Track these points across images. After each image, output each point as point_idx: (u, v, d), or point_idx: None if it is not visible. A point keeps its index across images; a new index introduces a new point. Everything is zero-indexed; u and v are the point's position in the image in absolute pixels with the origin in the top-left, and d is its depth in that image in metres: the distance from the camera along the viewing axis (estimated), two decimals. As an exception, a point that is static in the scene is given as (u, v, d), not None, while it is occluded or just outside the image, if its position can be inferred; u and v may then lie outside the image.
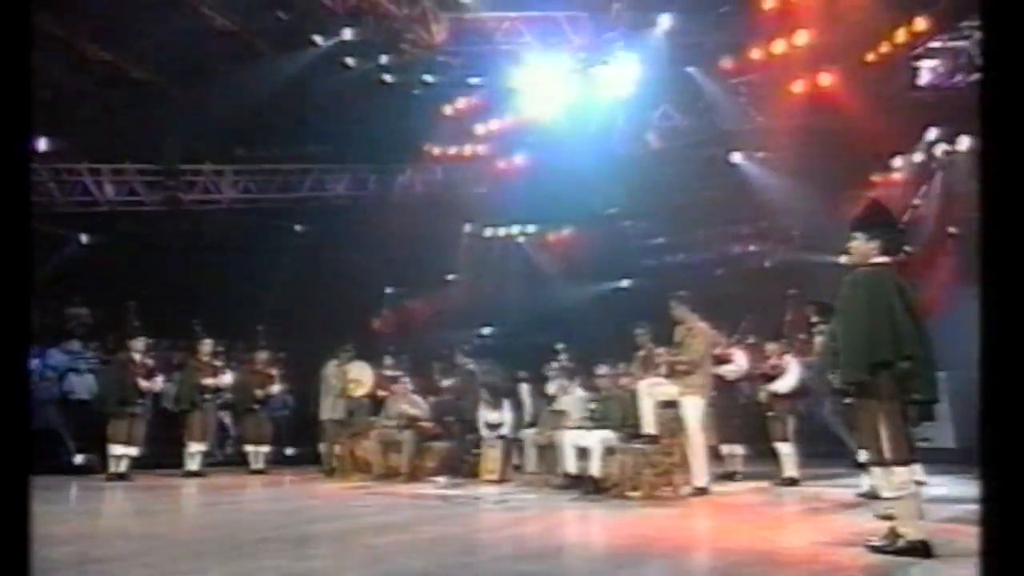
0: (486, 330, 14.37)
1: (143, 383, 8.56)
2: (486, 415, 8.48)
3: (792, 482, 7.22)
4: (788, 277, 10.20)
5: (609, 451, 6.63)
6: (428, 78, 11.30)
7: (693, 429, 6.47)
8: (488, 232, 15.16)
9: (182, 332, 10.28)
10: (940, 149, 10.44)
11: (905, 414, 3.71)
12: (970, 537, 3.27)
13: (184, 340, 10.54)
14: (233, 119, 11.89)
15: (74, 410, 9.68)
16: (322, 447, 9.49)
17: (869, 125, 10.30)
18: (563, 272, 14.89)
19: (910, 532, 3.62)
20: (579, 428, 7.07)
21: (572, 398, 8.08)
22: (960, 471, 6.50)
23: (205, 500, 7.33)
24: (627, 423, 6.75)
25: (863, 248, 3.88)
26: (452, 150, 13.33)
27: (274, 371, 9.75)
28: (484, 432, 8.43)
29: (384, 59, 10.78)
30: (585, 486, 6.60)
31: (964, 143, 10.29)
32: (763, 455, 8.02)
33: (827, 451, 9.11)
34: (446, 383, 9.50)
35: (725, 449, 7.91)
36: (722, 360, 7.40)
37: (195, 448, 8.95)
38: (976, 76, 9.80)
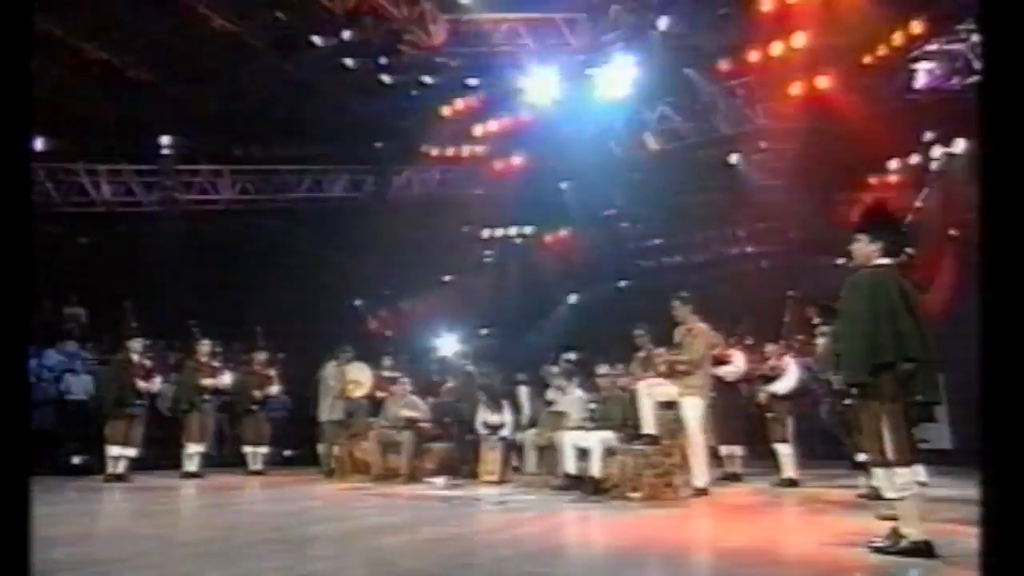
0: (484, 331, 14.37)
1: (141, 384, 8.52)
2: (485, 416, 8.48)
3: (792, 483, 7.23)
4: (786, 278, 10.22)
5: (609, 452, 6.63)
6: (426, 79, 11.29)
7: (693, 430, 6.48)
8: (485, 233, 15.16)
9: (178, 333, 10.26)
10: (939, 152, 10.48)
11: (907, 415, 3.72)
12: (971, 537, 3.28)
13: (180, 341, 10.52)
14: (231, 119, 11.89)
15: (71, 411, 9.64)
16: (321, 448, 9.47)
17: (866, 128, 10.35)
18: (561, 273, 14.90)
19: (913, 533, 3.63)
20: (579, 429, 7.07)
21: (571, 399, 8.08)
22: (957, 472, 6.51)
23: (205, 501, 7.31)
24: (627, 424, 6.76)
25: (865, 250, 3.90)
26: (450, 151, 13.34)
27: (272, 372, 9.73)
28: (483, 433, 8.43)
29: (382, 60, 10.77)
30: (585, 487, 6.59)
31: (960, 146, 10.34)
32: (762, 456, 8.04)
33: (824, 452, 9.17)
34: (445, 384, 9.49)
35: (724, 450, 7.92)
36: (721, 361, 7.42)
37: (193, 449, 8.92)
38: (973, 79, 9.85)
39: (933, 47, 10.15)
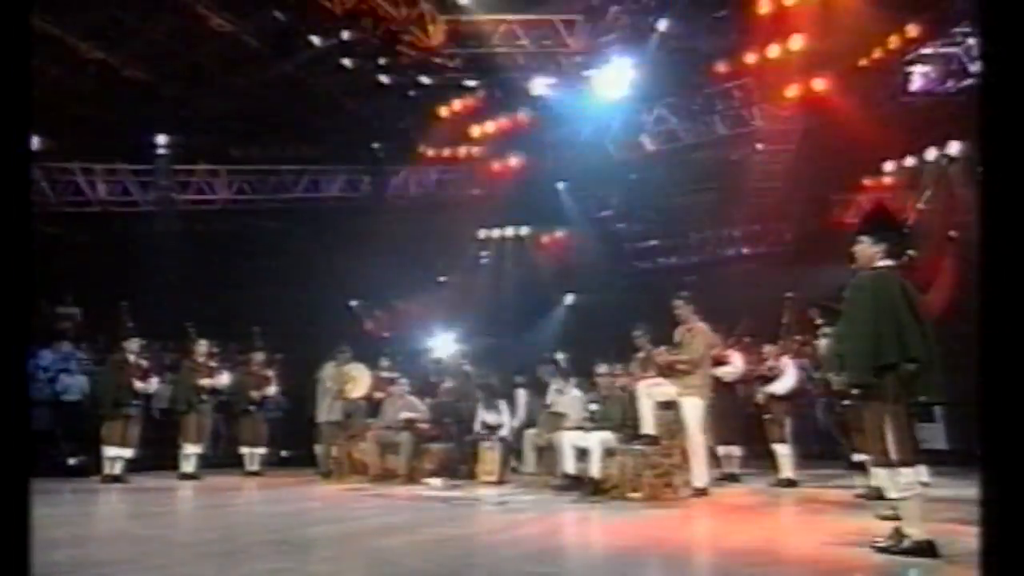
0: (481, 332, 14.36)
1: (138, 384, 8.48)
2: (483, 416, 8.49)
3: (790, 483, 7.26)
4: (782, 279, 10.26)
5: (609, 452, 6.64)
6: (424, 80, 11.31)
7: (693, 430, 6.50)
8: (482, 234, 15.17)
9: (174, 333, 10.22)
10: (939, 154, 10.57)
11: (910, 416, 3.75)
12: (971, 537, 3.32)
13: (176, 341, 10.48)
14: (228, 119, 11.86)
15: (67, 411, 9.58)
16: (318, 449, 9.45)
17: (861, 130, 10.44)
18: (557, 274, 14.92)
19: (915, 532, 3.66)
20: (578, 429, 7.08)
21: (570, 399, 8.10)
22: (953, 472, 6.56)
23: (204, 502, 7.29)
24: (626, 424, 6.77)
25: (868, 252, 3.92)
26: (447, 152, 13.38)
27: (270, 372, 9.70)
28: (482, 433, 8.43)
29: (381, 60, 10.77)
30: (584, 487, 6.60)
31: (955, 148, 10.43)
32: (759, 456, 8.07)
33: (820, 452, 9.23)
34: (442, 385, 9.49)
35: (722, 450, 7.94)
36: (719, 362, 7.45)
37: (190, 450, 8.89)
38: (967, 82, 9.94)
39: (928, 50, 10.25)
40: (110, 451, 8.28)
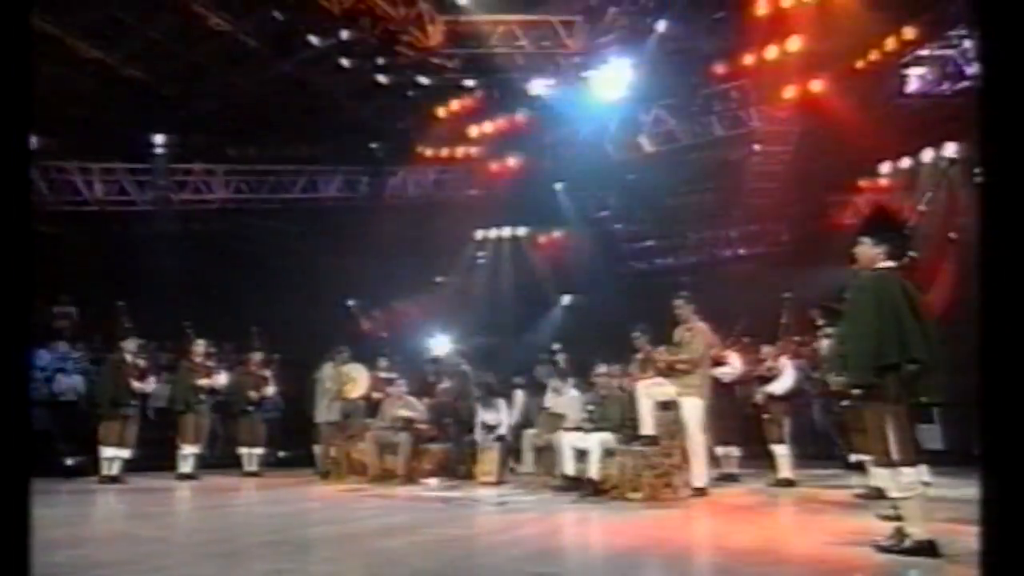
0: (478, 332, 14.37)
1: (136, 384, 8.46)
2: (483, 416, 8.49)
3: (788, 483, 7.29)
4: (778, 280, 10.30)
5: (608, 453, 6.65)
6: (422, 80, 11.32)
7: (694, 430, 6.51)
8: (480, 234, 15.18)
9: (170, 333, 10.19)
10: (936, 155, 10.62)
11: (911, 416, 3.78)
12: (971, 537, 3.34)
13: (173, 341, 10.45)
14: (225, 119, 11.83)
15: (63, 411, 9.54)
16: (317, 449, 9.44)
17: (858, 131, 10.48)
18: (554, 274, 14.94)
19: (917, 532, 3.69)
20: (578, 430, 7.08)
21: (568, 399, 8.11)
22: (949, 472, 6.59)
23: (203, 503, 7.27)
24: (625, 425, 6.78)
25: (870, 253, 3.95)
26: (445, 152, 13.38)
27: (268, 373, 9.69)
28: (480, 434, 8.44)
29: (379, 60, 10.77)
30: (584, 488, 6.61)
31: (950, 150, 10.48)
32: (757, 456, 8.10)
33: (816, 452, 9.27)
34: (441, 385, 9.48)
35: (720, 451, 7.96)
36: (717, 362, 7.47)
37: (188, 450, 8.87)
38: (963, 84, 9.99)
39: (925, 52, 10.29)
40: (108, 451, 8.26)
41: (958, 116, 9.90)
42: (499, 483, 7.89)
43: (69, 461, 8.81)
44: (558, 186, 14.10)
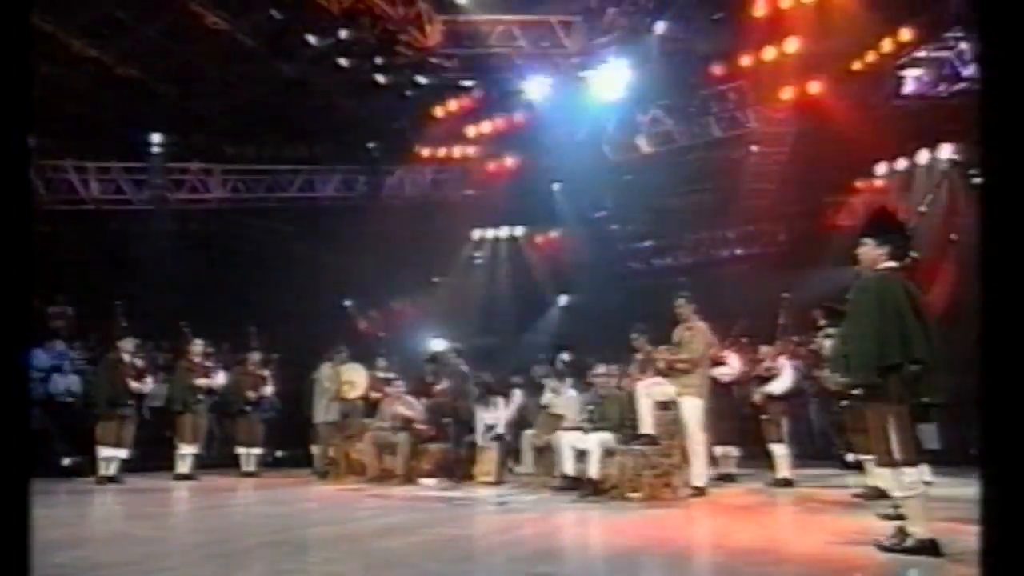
0: (476, 332, 14.37)
1: (133, 384, 8.43)
2: (482, 416, 8.49)
3: (787, 483, 7.31)
4: (775, 280, 10.34)
5: (608, 453, 6.66)
6: (421, 79, 11.30)
7: (694, 429, 6.53)
8: (477, 234, 15.18)
9: (167, 332, 10.16)
10: (932, 157, 10.67)
11: (913, 416, 3.80)
12: (971, 536, 3.36)
13: (168, 340, 10.42)
14: (222, 118, 11.79)
15: (60, 411, 9.49)
16: (315, 449, 9.43)
17: (854, 132, 10.53)
18: (551, 275, 14.95)
19: (919, 531, 3.71)
20: (577, 430, 7.09)
21: (567, 399, 8.12)
22: (946, 472, 6.63)
23: (203, 503, 7.26)
24: (625, 425, 6.79)
25: (872, 254, 3.97)
26: (442, 152, 13.36)
27: (266, 372, 9.67)
28: (480, 434, 8.43)
29: (377, 60, 10.75)
30: (583, 488, 6.62)
31: (947, 151, 10.54)
32: (755, 456, 8.12)
33: (812, 452, 9.30)
34: (439, 385, 9.47)
35: (719, 451, 7.98)
36: (715, 362, 7.49)
37: (186, 450, 8.84)
38: (959, 86, 10.05)
39: (921, 54, 10.34)
40: (105, 451, 8.23)
41: (954, 118, 9.95)
42: (498, 483, 7.90)
43: (66, 461, 8.78)
44: (555, 186, 14.11)
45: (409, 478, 8.15)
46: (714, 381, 7.24)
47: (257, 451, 9.52)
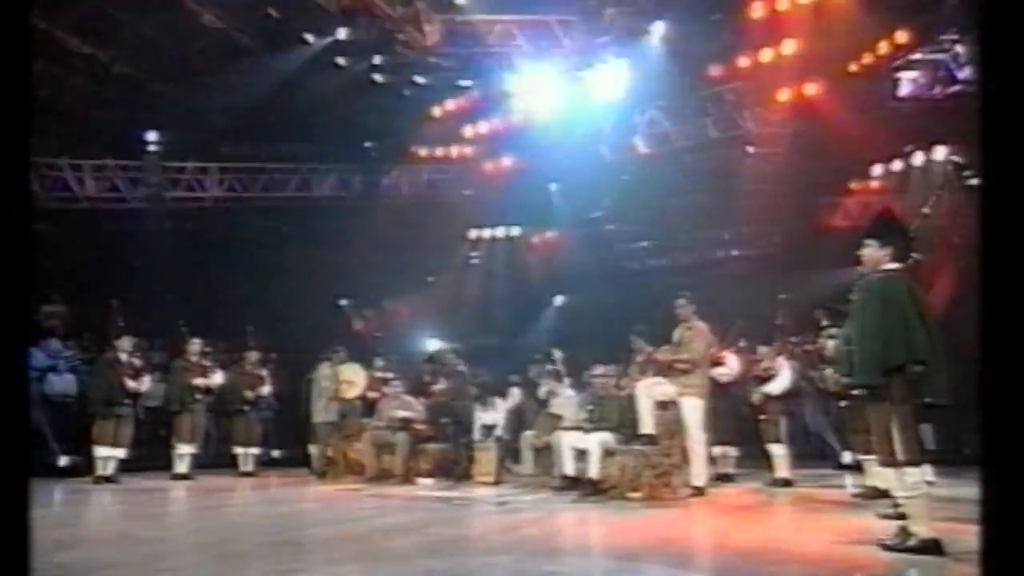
0: (472, 332, 14.36)
1: (130, 383, 8.39)
2: (481, 416, 8.49)
3: (786, 483, 7.34)
4: (771, 281, 10.38)
5: (608, 453, 6.67)
6: (418, 79, 11.30)
7: (694, 429, 6.54)
8: (473, 234, 15.16)
9: (163, 332, 10.10)
10: (931, 159, 10.73)
11: (916, 416, 3.82)
12: (972, 535, 3.38)
13: (165, 340, 10.37)
14: (219, 116, 11.74)
15: (55, 410, 9.42)
16: (313, 449, 9.40)
17: (851, 134, 10.57)
18: (547, 275, 14.95)
19: (922, 531, 3.73)
20: (577, 430, 7.10)
21: (565, 400, 8.12)
22: (943, 472, 6.67)
23: (202, 503, 7.22)
24: (624, 424, 6.80)
25: (875, 255, 3.99)
26: (439, 151, 13.34)
27: (264, 372, 9.64)
28: (478, 434, 8.43)
29: (376, 59, 10.74)
30: (583, 488, 6.62)
31: (942, 152, 10.60)
32: (753, 456, 8.15)
33: (809, 452, 9.33)
34: (437, 385, 9.46)
35: (717, 451, 8.00)
36: (714, 363, 7.51)
37: (184, 450, 8.81)
38: (955, 88, 10.10)
39: (917, 56, 10.40)
40: (102, 451, 8.18)
41: (950, 120, 10.01)
42: (497, 483, 7.89)
43: (62, 461, 8.72)
44: (552, 186, 14.10)
45: (407, 478, 8.14)
46: (712, 381, 7.25)
47: (255, 451, 9.49)
